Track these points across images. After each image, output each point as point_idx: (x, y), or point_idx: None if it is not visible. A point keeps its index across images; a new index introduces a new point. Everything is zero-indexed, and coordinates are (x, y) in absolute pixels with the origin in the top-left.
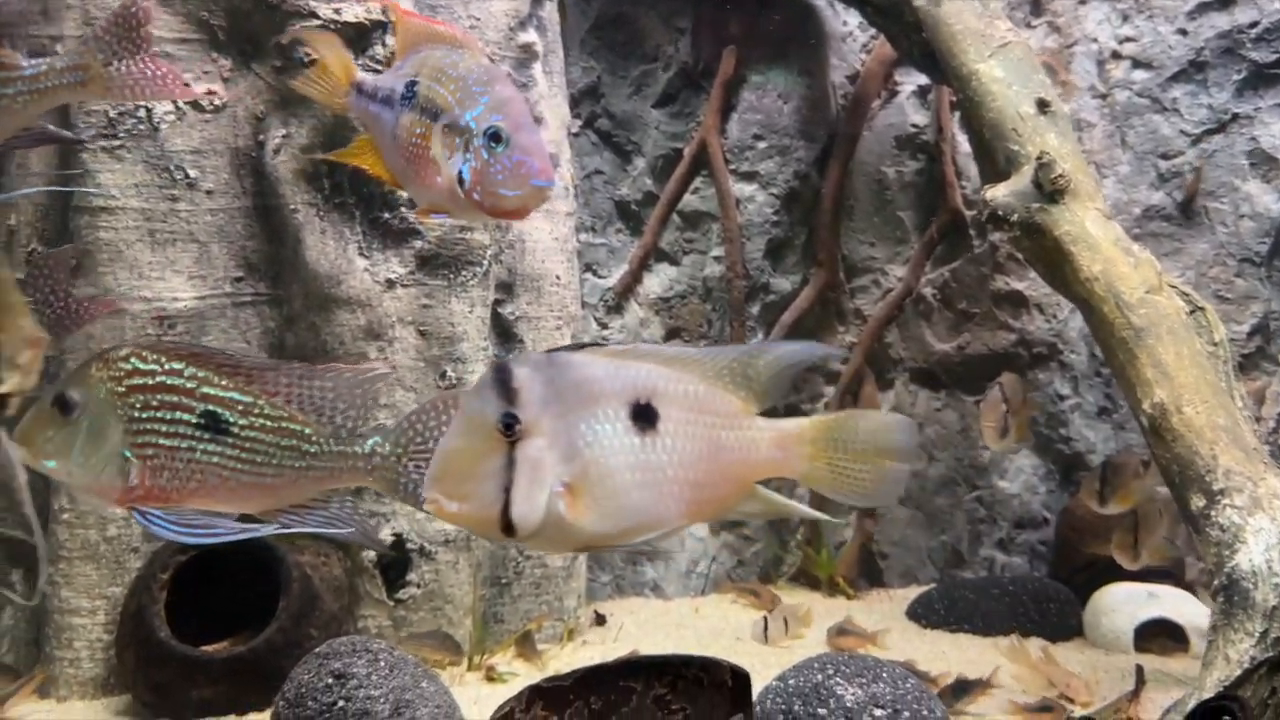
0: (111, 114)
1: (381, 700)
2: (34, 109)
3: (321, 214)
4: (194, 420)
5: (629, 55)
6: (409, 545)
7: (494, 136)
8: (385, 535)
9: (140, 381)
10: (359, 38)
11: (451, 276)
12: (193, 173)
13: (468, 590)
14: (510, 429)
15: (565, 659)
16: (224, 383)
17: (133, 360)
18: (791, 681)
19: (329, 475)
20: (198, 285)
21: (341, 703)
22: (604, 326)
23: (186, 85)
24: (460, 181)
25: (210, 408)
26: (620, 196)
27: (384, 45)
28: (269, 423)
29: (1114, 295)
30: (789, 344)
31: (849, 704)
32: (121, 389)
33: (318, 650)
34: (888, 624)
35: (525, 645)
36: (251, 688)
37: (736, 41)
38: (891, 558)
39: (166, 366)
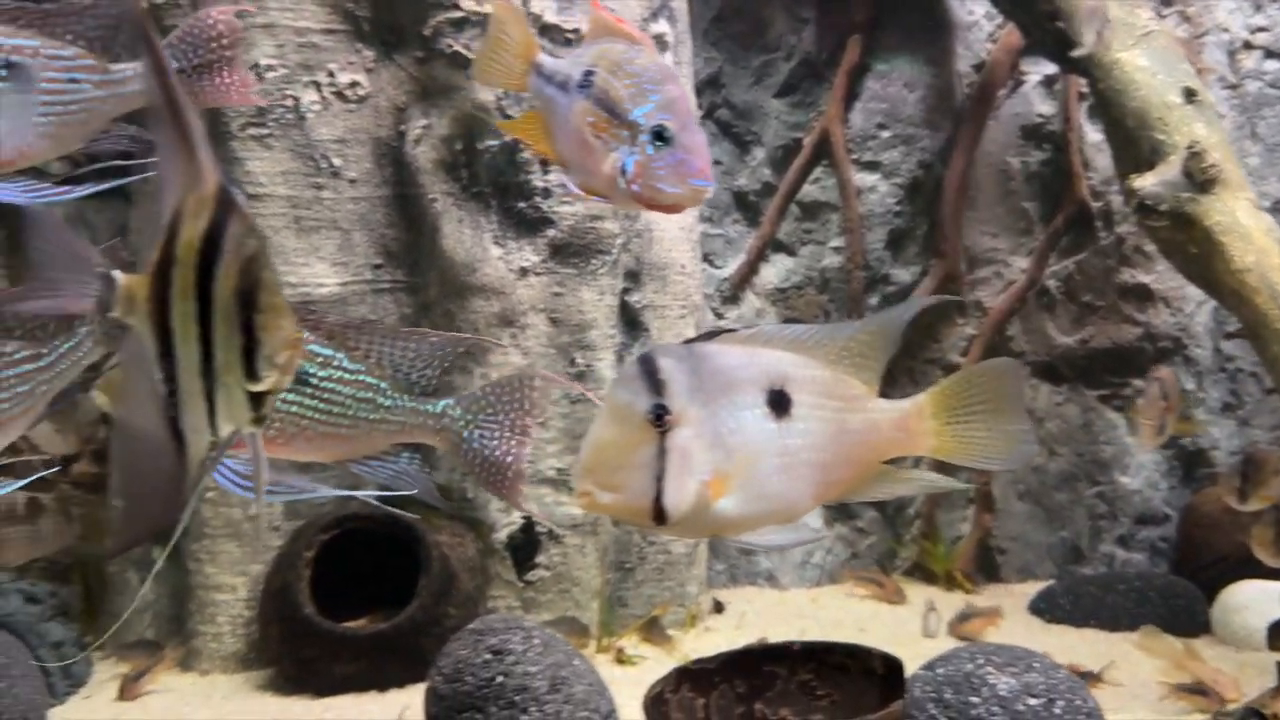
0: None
1: (539, 676)
2: (113, 111)
3: (459, 203)
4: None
5: (750, 45)
6: (538, 529)
7: (660, 134)
8: (515, 518)
9: None
10: None
11: (582, 265)
12: (336, 161)
13: (595, 574)
14: (660, 419)
15: (690, 644)
16: (306, 335)
17: None
18: (940, 670)
19: (399, 430)
20: (340, 272)
21: (500, 678)
22: (719, 317)
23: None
24: (622, 172)
25: None
26: (738, 187)
27: None
28: (346, 375)
29: (1268, 287)
30: (889, 311)
31: (1002, 693)
32: None
33: (472, 627)
34: (1010, 618)
35: (651, 629)
36: (392, 664)
37: (862, 30)
38: (1009, 552)
39: None
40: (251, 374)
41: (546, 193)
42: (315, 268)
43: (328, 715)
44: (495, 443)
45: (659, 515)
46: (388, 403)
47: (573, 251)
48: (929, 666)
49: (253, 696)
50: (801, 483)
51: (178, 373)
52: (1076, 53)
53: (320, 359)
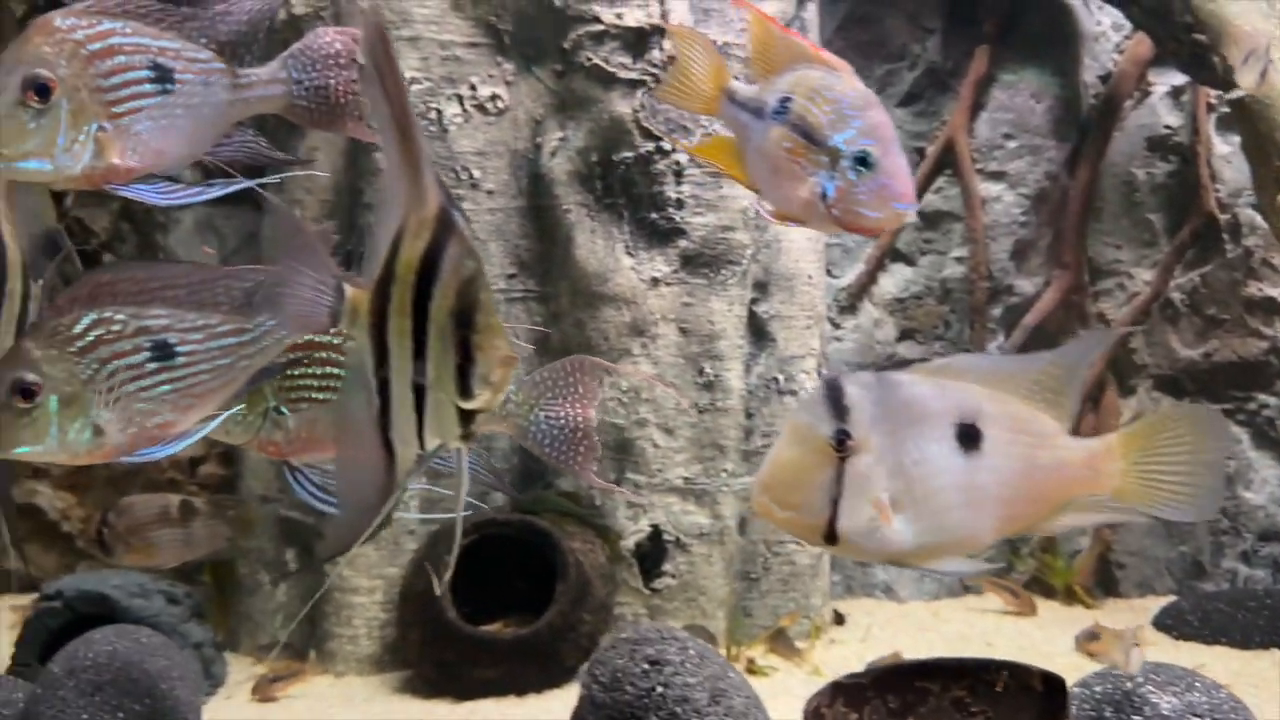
0: None
1: (699, 688)
2: (240, 115)
3: (592, 214)
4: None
5: (873, 55)
6: (665, 537)
7: (862, 160)
8: (643, 526)
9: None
10: (637, 41)
11: (712, 275)
12: (476, 173)
13: (722, 583)
14: (842, 445)
15: (818, 657)
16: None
17: None
18: (1098, 689)
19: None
20: None
21: (660, 689)
22: (836, 326)
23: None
24: (822, 197)
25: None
26: None
27: (660, 49)
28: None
29: None
30: (1081, 341)
31: (1165, 712)
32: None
33: (625, 636)
34: None
35: (779, 640)
36: (530, 669)
37: (989, 40)
38: (1128, 567)
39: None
40: (465, 391)
41: (679, 204)
42: None
43: (473, 717)
44: (562, 422)
45: (831, 536)
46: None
47: (703, 262)
48: (1084, 684)
49: (393, 699)
50: (985, 517)
51: (391, 386)
52: (1234, 94)
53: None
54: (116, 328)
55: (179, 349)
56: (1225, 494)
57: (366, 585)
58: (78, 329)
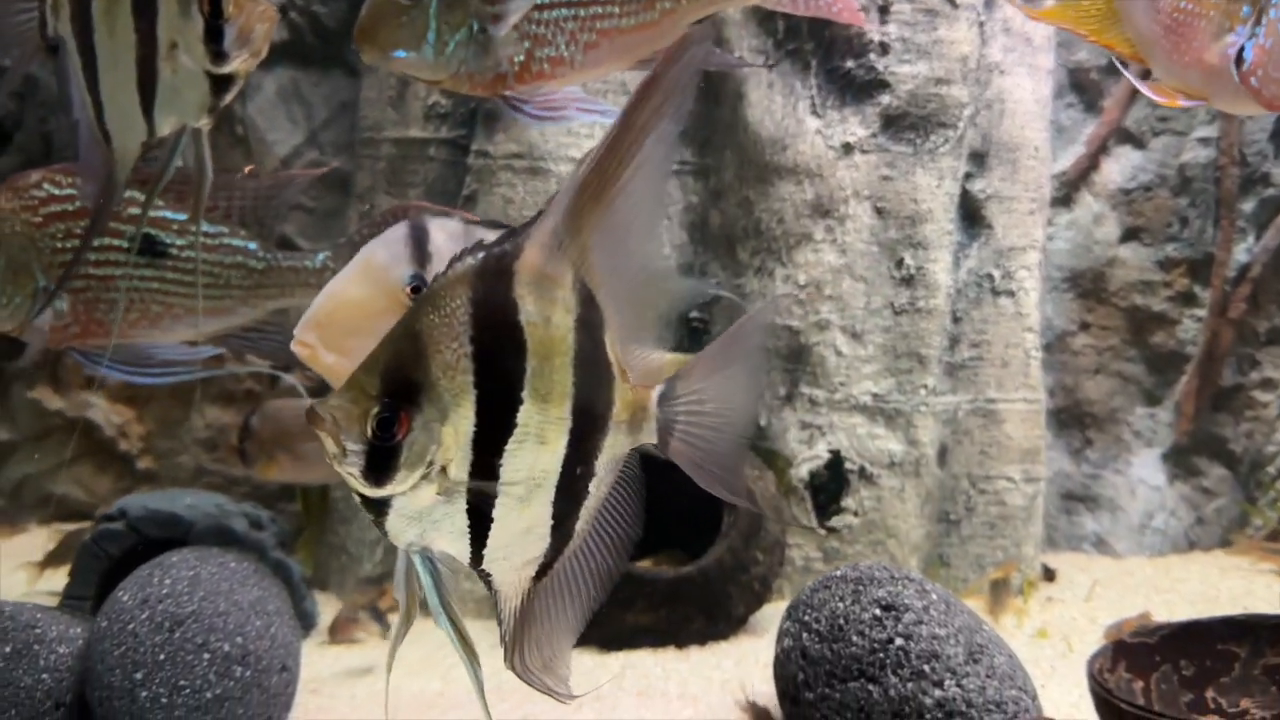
0: None
1: (951, 641)
2: None
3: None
4: (127, 245)
5: None
6: (847, 466)
7: None
8: (820, 451)
9: (59, 209)
10: None
11: (919, 142)
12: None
13: (915, 524)
14: (418, 292)
15: (1039, 617)
16: (157, 202)
17: (46, 186)
18: None
19: (279, 293)
20: None
21: (900, 640)
22: (1048, 223)
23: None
24: (1238, 62)
25: (146, 230)
26: (1076, 62)
27: None
28: (209, 240)
29: None
30: None
31: None
32: (38, 218)
33: (839, 574)
34: None
35: (999, 594)
36: (692, 616)
37: None
38: None
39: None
40: (218, 55)
41: (883, 48)
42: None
43: (628, 672)
44: None
45: None
46: (260, 265)
47: (909, 124)
48: None
49: None
50: None
51: (98, 63)
52: None
53: (176, 226)
54: None
55: None
56: None
57: None
58: None
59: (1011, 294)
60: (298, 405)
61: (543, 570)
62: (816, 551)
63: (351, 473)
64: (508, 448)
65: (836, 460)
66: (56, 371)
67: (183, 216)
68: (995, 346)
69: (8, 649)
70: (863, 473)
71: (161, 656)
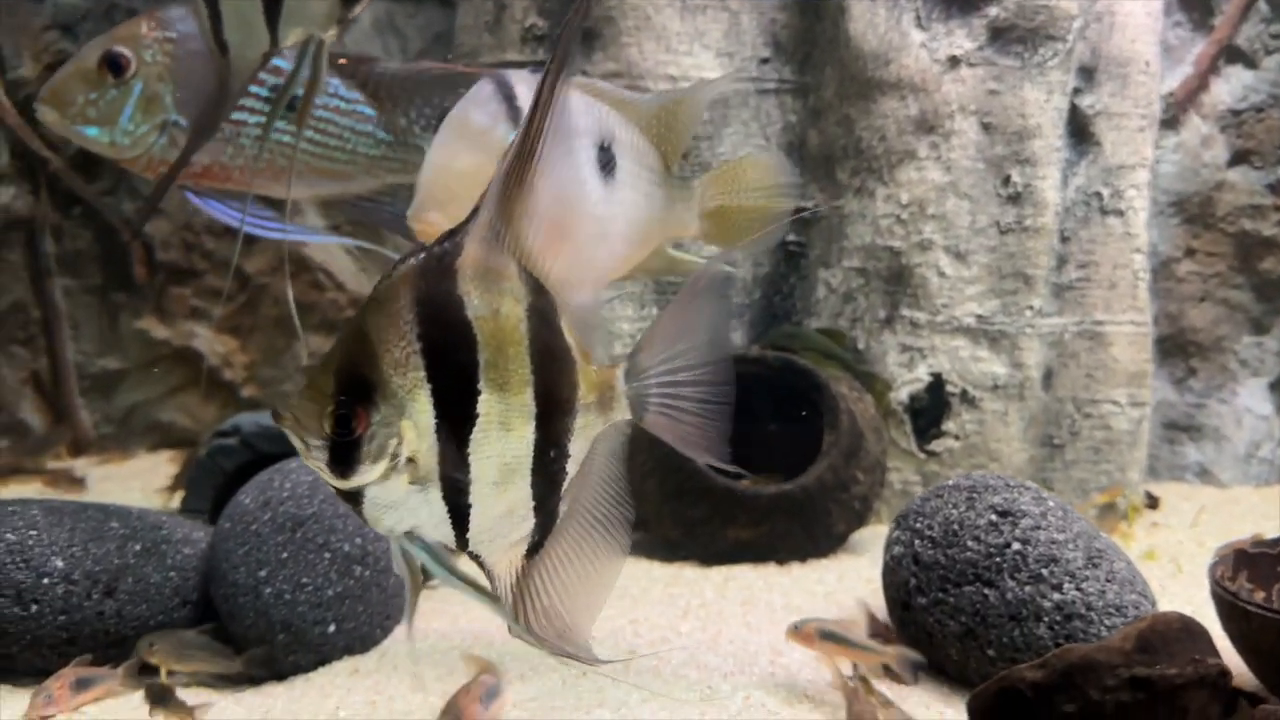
0: None
1: (1070, 546)
2: None
3: None
4: (264, 94)
5: None
6: (949, 388)
7: None
8: (920, 374)
9: (199, 46)
10: None
11: (1027, 55)
12: None
13: (1019, 448)
14: None
15: (1145, 540)
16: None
17: (190, 19)
18: None
19: (401, 169)
20: (724, 64)
21: (1017, 545)
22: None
23: None
24: None
25: (280, 81)
26: None
27: None
28: (344, 104)
29: None
30: (700, 86)
31: None
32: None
33: (951, 483)
34: None
35: (1107, 517)
36: (793, 533)
37: None
38: None
39: None
40: None
41: None
42: (699, 57)
43: (729, 584)
44: None
45: None
46: (388, 138)
47: (1017, 37)
48: None
49: (635, 564)
50: (611, 250)
51: None
52: None
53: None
54: None
55: None
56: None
57: None
58: None
59: (1120, 213)
60: None
61: (535, 548)
62: (915, 475)
63: (319, 467)
64: (473, 437)
65: (938, 383)
66: (162, 302)
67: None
68: (1103, 267)
69: (137, 547)
70: (964, 396)
71: (284, 555)
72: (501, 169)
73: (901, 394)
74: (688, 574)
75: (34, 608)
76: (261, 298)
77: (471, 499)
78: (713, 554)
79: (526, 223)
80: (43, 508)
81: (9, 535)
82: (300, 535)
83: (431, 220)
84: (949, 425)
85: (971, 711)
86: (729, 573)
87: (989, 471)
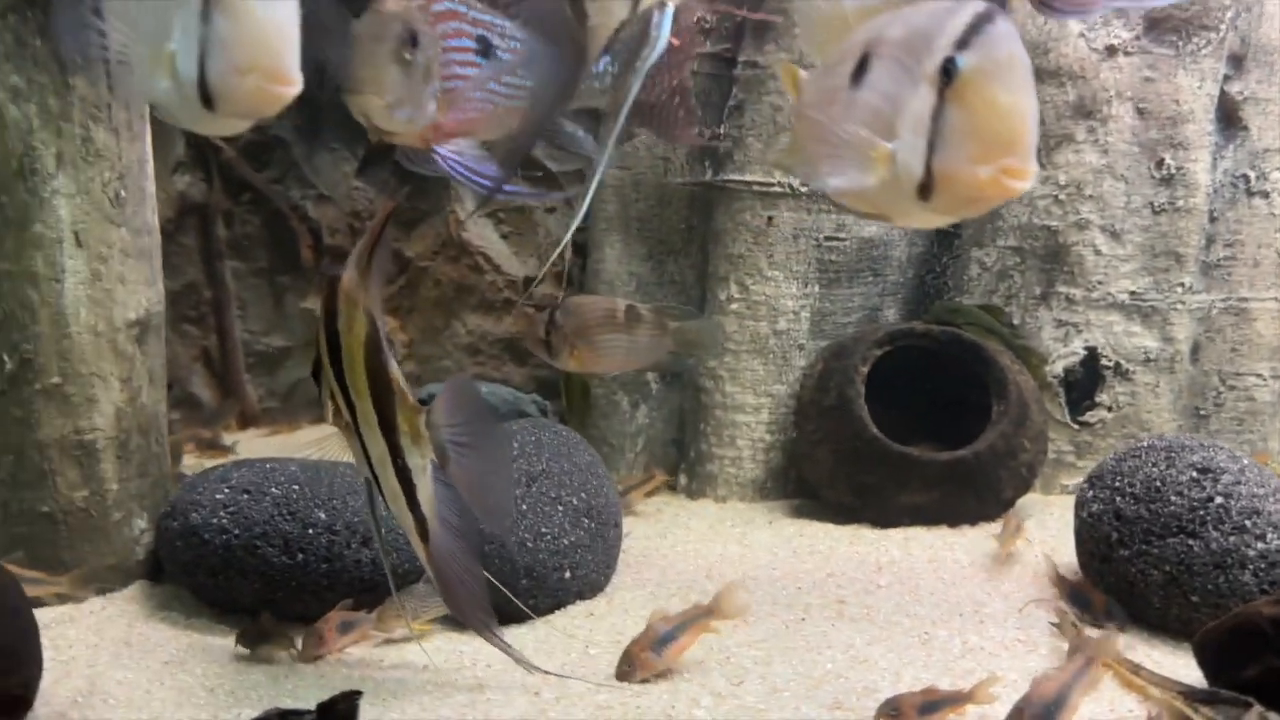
0: None
1: (1271, 499)
2: None
3: None
4: (475, 46)
5: None
6: (1103, 362)
7: None
8: (1075, 348)
9: (450, 6)
10: None
11: (1181, 44)
12: None
13: (1168, 418)
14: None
15: None
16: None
17: None
18: None
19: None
20: None
21: (1219, 499)
22: None
23: None
24: None
25: (482, 33)
26: None
27: None
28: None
29: None
30: None
31: None
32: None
33: (1147, 445)
34: None
35: None
36: (964, 498)
37: None
38: None
39: None
40: None
41: None
42: None
43: (911, 544)
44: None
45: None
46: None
47: (1172, 27)
48: None
49: (802, 523)
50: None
51: None
52: None
53: (498, 29)
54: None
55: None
56: None
57: (753, 403)
58: None
59: (1265, 195)
60: (597, 302)
61: (425, 539)
62: (1068, 445)
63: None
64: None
65: (1092, 356)
66: None
67: (501, 20)
68: (1248, 246)
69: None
70: (1118, 369)
71: (524, 506)
72: (357, 249)
73: (1056, 367)
74: (867, 534)
75: (299, 556)
76: (421, 279)
77: (377, 473)
78: (886, 517)
79: (369, 284)
80: (300, 465)
81: (274, 490)
82: (535, 489)
83: None
84: (1102, 397)
85: (1201, 648)
86: (907, 534)
87: (1181, 435)
